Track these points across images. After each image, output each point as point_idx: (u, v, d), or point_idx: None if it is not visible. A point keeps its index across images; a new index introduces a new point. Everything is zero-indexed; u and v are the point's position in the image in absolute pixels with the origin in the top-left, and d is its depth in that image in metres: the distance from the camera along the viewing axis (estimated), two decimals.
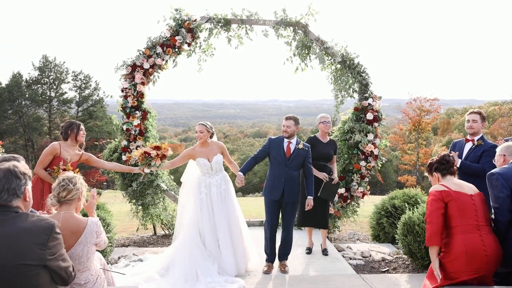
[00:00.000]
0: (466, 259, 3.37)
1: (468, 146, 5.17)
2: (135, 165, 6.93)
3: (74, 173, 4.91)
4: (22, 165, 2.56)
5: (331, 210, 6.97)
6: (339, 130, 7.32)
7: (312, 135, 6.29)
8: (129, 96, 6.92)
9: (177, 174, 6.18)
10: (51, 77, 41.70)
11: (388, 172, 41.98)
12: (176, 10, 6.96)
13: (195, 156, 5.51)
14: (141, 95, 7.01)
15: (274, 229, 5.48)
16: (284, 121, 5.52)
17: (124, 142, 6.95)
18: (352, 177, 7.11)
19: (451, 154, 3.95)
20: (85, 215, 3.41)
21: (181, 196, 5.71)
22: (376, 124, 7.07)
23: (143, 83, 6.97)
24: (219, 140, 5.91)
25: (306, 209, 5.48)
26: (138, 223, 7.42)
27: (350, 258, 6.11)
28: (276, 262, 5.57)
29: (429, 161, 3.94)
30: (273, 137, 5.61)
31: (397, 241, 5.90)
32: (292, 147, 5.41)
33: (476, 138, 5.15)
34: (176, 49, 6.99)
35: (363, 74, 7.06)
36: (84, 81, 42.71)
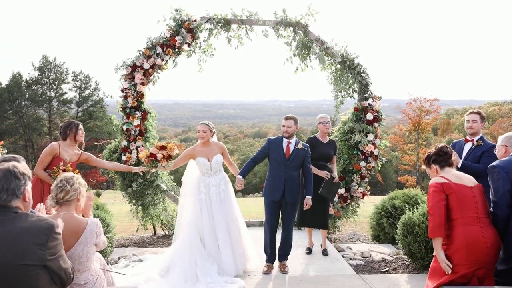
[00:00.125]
0: (466, 251, 3.37)
1: (467, 147, 5.16)
2: (136, 165, 6.94)
3: (74, 173, 4.91)
4: (21, 166, 2.56)
5: (331, 211, 6.97)
6: (339, 130, 7.31)
7: (312, 136, 6.29)
8: (129, 96, 6.92)
9: (177, 174, 6.19)
10: (51, 77, 41.73)
11: (388, 172, 42.00)
12: (176, 10, 6.96)
13: (195, 155, 5.51)
14: (141, 95, 7.01)
15: (274, 229, 5.48)
16: (284, 121, 5.52)
17: (124, 143, 6.95)
18: (352, 178, 7.11)
19: (453, 156, 3.92)
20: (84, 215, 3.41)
21: (181, 196, 5.71)
22: (376, 125, 7.07)
23: (143, 83, 6.97)
24: (219, 141, 5.91)
25: (304, 209, 5.48)
26: (138, 224, 7.42)
27: (350, 259, 6.10)
28: (276, 262, 5.56)
29: (427, 153, 3.91)
30: (272, 138, 5.61)
31: (397, 241, 5.90)
32: (292, 147, 5.40)
33: (475, 138, 5.15)
34: (176, 49, 6.99)
35: (363, 74, 7.06)
36: (84, 82, 42.76)
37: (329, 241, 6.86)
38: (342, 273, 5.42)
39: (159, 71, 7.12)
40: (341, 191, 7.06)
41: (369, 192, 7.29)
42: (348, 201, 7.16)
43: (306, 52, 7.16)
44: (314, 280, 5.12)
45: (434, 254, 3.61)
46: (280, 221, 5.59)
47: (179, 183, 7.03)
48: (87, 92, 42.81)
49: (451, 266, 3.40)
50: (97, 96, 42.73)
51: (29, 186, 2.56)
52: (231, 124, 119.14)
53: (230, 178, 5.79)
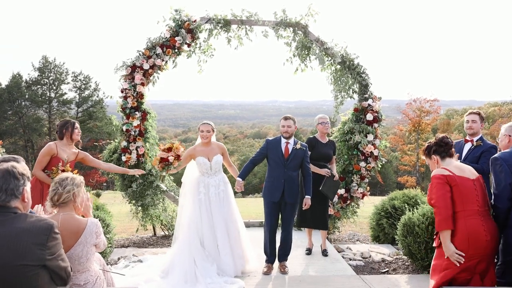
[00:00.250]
0: (468, 244, 3.36)
1: (467, 147, 5.17)
2: (135, 165, 6.94)
3: (73, 173, 4.89)
4: (20, 166, 2.55)
5: (331, 211, 6.97)
6: (339, 131, 7.32)
7: (312, 136, 6.29)
8: (129, 96, 6.92)
9: (177, 174, 6.17)
10: (51, 77, 41.75)
11: (388, 173, 42.00)
12: (176, 10, 6.97)
13: (195, 155, 5.51)
14: (140, 95, 7.01)
15: (273, 230, 5.48)
16: (283, 121, 5.51)
17: (124, 143, 6.95)
18: (352, 178, 7.11)
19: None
20: (84, 216, 3.40)
21: (181, 197, 5.71)
22: (376, 125, 7.07)
23: (142, 84, 6.97)
24: (219, 141, 5.91)
25: (304, 209, 5.48)
26: (138, 224, 7.41)
27: (350, 259, 6.10)
28: (276, 263, 5.56)
29: (427, 144, 3.82)
30: (270, 139, 5.60)
31: (397, 242, 5.89)
32: (290, 147, 5.40)
33: (475, 138, 5.15)
34: (176, 50, 6.99)
35: (363, 75, 7.06)
36: (84, 82, 42.78)
37: (329, 242, 6.86)
38: (342, 274, 5.42)
39: (159, 71, 7.13)
40: (341, 191, 7.06)
41: (369, 193, 7.29)
42: (348, 202, 7.16)
43: (306, 53, 7.17)
44: (314, 281, 5.12)
45: (441, 248, 3.56)
46: (279, 221, 5.59)
47: (178, 183, 7.02)
48: (87, 92, 42.84)
49: (463, 255, 3.36)
50: (97, 96, 42.77)
51: (28, 187, 2.56)
52: (231, 124, 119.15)
53: (230, 179, 5.79)
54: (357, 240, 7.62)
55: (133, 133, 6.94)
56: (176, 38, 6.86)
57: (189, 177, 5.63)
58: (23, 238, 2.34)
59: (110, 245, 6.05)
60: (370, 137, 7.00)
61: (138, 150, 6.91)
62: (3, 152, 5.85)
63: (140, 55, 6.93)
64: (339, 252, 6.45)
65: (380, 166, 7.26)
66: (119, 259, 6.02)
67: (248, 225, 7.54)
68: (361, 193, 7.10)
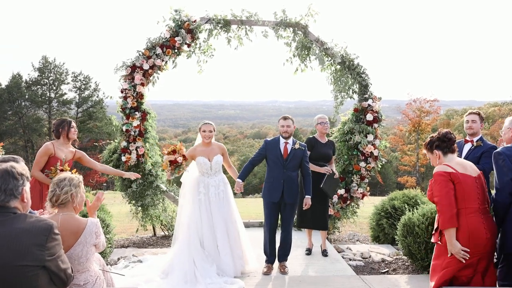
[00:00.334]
0: (469, 242, 3.36)
1: (467, 147, 5.16)
2: (135, 166, 6.94)
3: (72, 173, 4.88)
4: (20, 166, 2.55)
5: (331, 211, 6.97)
6: (339, 131, 7.32)
7: (311, 136, 6.29)
8: (129, 97, 6.92)
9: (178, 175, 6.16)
10: (50, 78, 41.72)
11: (388, 173, 41.98)
12: (176, 11, 6.97)
13: (195, 155, 5.50)
14: (140, 96, 7.01)
15: (273, 230, 5.48)
16: (283, 121, 5.50)
17: (124, 143, 6.95)
18: (352, 178, 7.10)
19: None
20: (84, 215, 3.41)
21: (180, 197, 5.71)
22: (375, 125, 7.07)
23: (142, 84, 6.97)
24: (218, 141, 5.91)
25: (304, 209, 5.48)
26: (138, 224, 7.41)
27: (350, 259, 6.10)
28: (276, 263, 5.56)
29: (429, 138, 3.76)
30: (268, 139, 5.61)
31: (396, 242, 5.89)
32: (289, 147, 5.40)
33: (475, 139, 5.14)
34: (176, 50, 6.99)
35: (362, 75, 7.06)
36: (84, 82, 42.76)
37: (329, 242, 6.85)
38: (342, 274, 5.42)
39: (158, 71, 7.13)
40: (341, 191, 7.06)
41: (368, 193, 7.29)
42: (348, 202, 7.16)
43: (306, 53, 7.17)
44: (313, 281, 5.12)
45: (440, 246, 3.55)
46: (279, 221, 5.59)
47: (178, 183, 7.02)
48: (87, 92, 42.81)
49: (468, 251, 3.36)
50: (97, 96, 42.74)
51: (27, 187, 2.55)
52: (231, 124, 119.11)
53: (229, 180, 5.78)
54: (357, 240, 7.62)
55: (133, 133, 6.93)
56: (176, 38, 6.86)
57: (189, 177, 5.63)
58: (23, 238, 2.34)
59: (110, 245, 6.05)
60: (370, 137, 7.00)
61: (138, 150, 6.91)
62: (3, 152, 5.84)
63: (140, 55, 6.93)
64: (339, 252, 6.45)
65: (380, 166, 7.26)
66: (119, 259, 6.02)
67: (248, 225, 7.55)
68: (361, 193, 7.10)
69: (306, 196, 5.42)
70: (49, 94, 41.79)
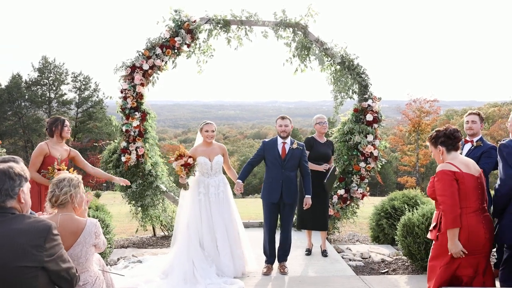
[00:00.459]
0: (469, 242, 3.37)
1: (467, 147, 5.16)
2: (135, 166, 6.94)
3: (69, 172, 4.86)
4: (18, 167, 2.55)
5: (331, 212, 6.97)
6: (338, 131, 7.31)
7: (310, 136, 6.30)
8: (129, 97, 6.92)
9: (176, 175, 6.14)
10: (50, 78, 41.77)
11: (387, 173, 41.99)
12: (176, 11, 6.96)
13: (196, 155, 5.48)
14: (140, 96, 7.00)
15: (273, 230, 5.48)
16: (280, 120, 5.50)
17: (124, 143, 6.95)
18: (352, 178, 7.10)
19: None
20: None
21: (180, 197, 5.71)
22: (375, 125, 7.07)
23: (142, 84, 6.97)
24: (218, 141, 5.91)
25: (304, 208, 5.48)
26: (138, 225, 7.41)
27: (350, 259, 6.10)
28: (276, 263, 5.56)
29: (436, 132, 3.68)
30: (266, 140, 5.61)
31: (396, 242, 5.89)
32: (287, 147, 5.40)
33: (475, 139, 5.14)
34: (176, 50, 6.99)
35: (362, 75, 7.06)
36: (83, 82, 42.81)
37: (328, 242, 6.85)
38: (342, 274, 5.42)
39: (158, 72, 7.12)
40: (341, 192, 7.06)
41: (368, 193, 7.28)
42: (348, 202, 7.16)
43: (306, 53, 7.17)
44: (313, 281, 5.12)
45: (438, 246, 3.56)
46: (279, 222, 5.59)
47: (178, 184, 7.01)
48: (86, 93, 42.86)
49: (466, 252, 3.37)
50: (97, 97, 42.79)
51: (25, 188, 2.54)
52: (231, 125, 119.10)
53: (228, 181, 5.78)
54: (356, 241, 7.62)
55: (132, 133, 6.93)
56: (176, 39, 6.86)
57: (189, 177, 5.63)
58: (21, 239, 2.33)
59: (109, 245, 6.05)
60: (370, 137, 7.00)
61: (137, 151, 6.91)
62: (4, 152, 5.83)
63: (139, 55, 6.93)
64: (338, 252, 6.45)
65: (379, 167, 7.26)
66: (118, 259, 6.01)
67: (247, 225, 7.54)
68: (361, 193, 7.10)
69: (306, 196, 5.42)
70: (49, 95, 41.84)
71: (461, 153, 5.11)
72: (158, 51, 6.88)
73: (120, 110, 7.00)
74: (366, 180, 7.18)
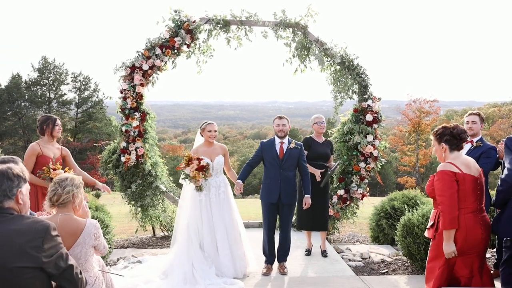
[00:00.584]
0: (466, 241, 3.38)
1: (466, 147, 5.16)
2: (135, 166, 6.93)
3: (65, 171, 4.84)
4: (17, 168, 2.55)
5: (331, 212, 6.96)
6: (338, 131, 7.31)
7: (308, 136, 6.29)
8: (128, 97, 6.91)
9: (176, 175, 6.13)
10: (50, 78, 41.74)
11: (387, 173, 41.98)
12: (175, 11, 6.96)
13: (197, 155, 5.47)
14: (140, 96, 7.00)
15: (272, 231, 5.48)
16: (278, 120, 5.50)
17: (123, 144, 6.94)
18: (352, 179, 7.10)
19: None
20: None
21: (181, 197, 5.70)
22: (375, 126, 7.07)
23: (142, 85, 6.96)
24: (218, 141, 5.90)
25: (304, 208, 5.47)
26: (137, 225, 7.40)
27: (350, 260, 6.10)
28: (276, 263, 5.55)
29: (442, 128, 3.62)
30: (264, 141, 5.61)
31: (396, 242, 5.89)
32: (285, 147, 5.40)
33: (475, 139, 5.14)
34: (175, 50, 6.99)
35: (362, 75, 7.06)
36: (83, 83, 42.78)
37: (328, 242, 6.85)
38: (342, 275, 5.42)
39: (158, 72, 7.12)
40: (341, 192, 7.06)
41: (368, 193, 7.28)
42: (348, 202, 7.15)
43: (306, 53, 7.17)
44: (313, 282, 5.11)
45: (436, 246, 3.56)
46: (278, 222, 5.59)
47: (178, 184, 7.00)
48: (86, 93, 42.81)
49: (456, 255, 3.39)
50: (97, 97, 42.75)
51: (23, 188, 2.54)
52: (231, 125, 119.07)
53: (229, 181, 5.77)
54: (356, 241, 7.61)
55: (132, 133, 6.93)
56: (176, 39, 6.85)
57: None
58: (19, 239, 2.33)
59: (109, 246, 6.03)
60: (370, 137, 7.00)
61: (137, 151, 6.90)
62: (1, 153, 5.82)
63: (139, 55, 6.93)
64: (338, 253, 6.44)
65: (379, 167, 7.26)
66: (118, 260, 6.01)
67: (247, 225, 7.54)
68: (360, 193, 7.10)
69: (306, 196, 5.42)
70: (49, 95, 41.80)
71: None
72: (158, 51, 6.88)
73: (120, 110, 7.00)
74: (366, 181, 7.17)
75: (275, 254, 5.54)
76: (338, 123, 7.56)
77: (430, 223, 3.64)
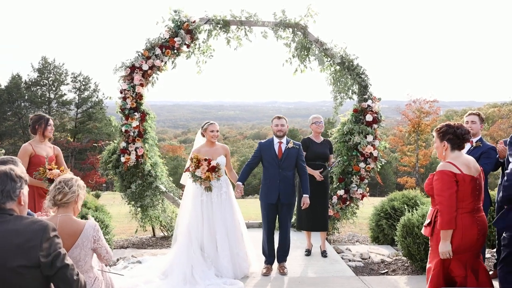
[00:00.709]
0: (461, 241, 3.38)
1: (466, 148, 5.15)
2: (135, 166, 6.93)
3: (60, 170, 4.84)
4: (19, 169, 2.55)
5: (330, 212, 6.96)
6: (338, 131, 7.30)
7: (306, 137, 6.29)
8: (128, 97, 6.91)
9: (176, 176, 6.14)
10: (50, 78, 41.76)
11: (387, 174, 41.98)
12: (175, 11, 6.96)
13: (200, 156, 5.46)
14: (139, 96, 6.99)
15: (272, 231, 5.48)
16: (277, 120, 5.51)
17: (123, 144, 6.94)
18: (351, 179, 7.10)
19: None
20: (83, 217, 3.39)
21: (183, 198, 5.69)
22: (375, 126, 7.06)
23: (141, 85, 6.96)
24: (218, 142, 5.89)
25: (302, 208, 5.47)
26: (137, 225, 7.40)
27: (349, 260, 6.09)
28: (275, 264, 5.55)
29: (446, 126, 3.58)
30: (262, 141, 5.62)
31: (396, 242, 5.88)
32: (283, 147, 5.40)
33: (474, 139, 5.14)
34: (175, 51, 6.98)
35: (362, 76, 7.06)
36: (83, 83, 42.80)
37: (328, 243, 6.84)
38: (341, 275, 5.41)
39: (158, 72, 7.12)
40: (340, 192, 7.06)
41: (368, 194, 7.28)
42: (347, 203, 7.15)
43: (305, 53, 7.17)
44: (313, 282, 5.11)
45: (433, 246, 3.56)
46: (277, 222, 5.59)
47: (178, 184, 7.00)
48: (86, 93, 42.84)
49: (451, 256, 3.39)
50: (97, 97, 42.78)
51: (25, 190, 2.54)
52: (231, 125, 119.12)
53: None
54: (356, 241, 7.61)
55: (132, 134, 6.92)
56: (175, 39, 6.85)
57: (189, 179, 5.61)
58: (18, 239, 2.33)
59: (109, 246, 6.04)
60: (370, 138, 7.00)
61: (137, 151, 6.90)
62: (1, 152, 5.82)
63: (139, 56, 6.92)
64: (338, 253, 6.44)
65: (379, 167, 7.26)
66: (118, 260, 6.00)
67: (247, 226, 7.50)
68: (360, 194, 7.09)
69: (304, 195, 5.42)
70: (49, 95, 41.83)
71: None
72: (158, 51, 6.88)
73: (120, 110, 6.99)
74: (366, 181, 7.17)
75: (275, 254, 5.54)
76: (338, 123, 7.56)
77: (427, 221, 3.64)
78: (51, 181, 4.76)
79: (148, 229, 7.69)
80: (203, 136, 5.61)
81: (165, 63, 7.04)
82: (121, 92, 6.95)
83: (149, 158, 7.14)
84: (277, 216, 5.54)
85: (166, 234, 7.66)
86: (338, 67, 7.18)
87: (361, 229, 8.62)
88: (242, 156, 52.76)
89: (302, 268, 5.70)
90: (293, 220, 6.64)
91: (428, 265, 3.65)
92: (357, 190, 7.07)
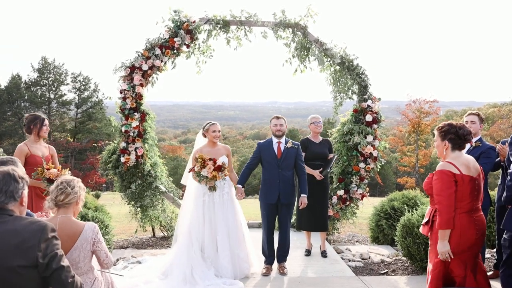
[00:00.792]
0: (459, 241, 3.38)
1: (466, 147, 5.16)
2: (134, 167, 6.92)
3: (58, 170, 4.83)
4: (20, 170, 2.56)
5: (330, 212, 6.96)
6: (338, 132, 7.30)
7: (304, 138, 6.29)
8: (128, 97, 6.91)
9: (176, 176, 6.14)
10: (50, 78, 41.76)
11: (387, 174, 41.98)
12: (175, 11, 6.96)
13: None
14: (139, 96, 6.99)
15: (271, 231, 5.48)
16: (275, 120, 5.51)
17: (123, 144, 6.93)
18: (351, 179, 7.10)
19: None
20: (83, 217, 3.39)
21: (184, 198, 5.69)
22: (375, 126, 7.06)
23: (141, 85, 6.96)
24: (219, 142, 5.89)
25: (300, 208, 5.47)
26: (137, 225, 7.40)
27: (349, 260, 6.09)
28: (275, 264, 5.55)
29: (448, 126, 3.54)
30: (261, 142, 5.62)
31: (396, 243, 5.88)
32: (282, 147, 5.41)
33: (474, 139, 5.14)
34: (175, 51, 6.98)
35: (362, 76, 7.06)
36: (83, 83, 42.80)
37: (328, 243, 6.84)
38: (341, 275, 5.41)
39: (158, 72, 7.12)
40: (340, 192, 7.05)
41: (368, 194, 7.28)
42: (347, 203, 7.15)
43: (305, 53, 7.17)
44: (313, 282, 5.11)
45: (432, 246, 3.56)
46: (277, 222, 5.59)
47: (178, 184, 6.99)
48: (86, 93, 42.84)
49: (452, 257, 3.39)
50: (96, 97, 42.78)
51: (26, 191, 2.55)
52: (231, 125, 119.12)
53: None
54: (356, 241, 7.61)
55: (132, 134, 6.92)
56: (175, 39, 6.85)
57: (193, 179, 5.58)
58: (16, 239, 2.33)
59: (108, 246, 6.04)
60: (370, 138, 6.99)
61: (137, 151, 6.90)
62: (2, 153, 5.82)
63: (139, 56, 6.92)
64: (338, 253, 6.44)
65: (379, 167, 7.26)
66: (118, 260, 6.00)
67: (247, 226, 7.52)
68: (360, 194, 7.09)
69: (302, 195, 5.42)
70: (49, 95, 41.83)
71: None
72: (158, 51, 6.88)
73: (120, 110, 6.99)
74: (366, 181, 7.17)
75: (275, 254, 5.54)
76: (337, 123, 7.56)
77: (425, 220, 3.65)
78: (49, 181, 4.76)
79: (148, 229, 7.69)
80: (205, 136, 5.61)
81: (165, 63, 7.04)
82: (121, 92, 6.95)
83: (149, 158, 7.14)
84: (277, 216, 5.54)
85: (166, 234, 7.66)
86: (338, 67, 7.18)
87: (361, 229, 8.62)
88: (242, 156, 52.75)
89: (302, 268, 5.70)
90: (293, 220, 6.64)
91: (428, 265, 3.65)
92: (357, 190, 7.07)
